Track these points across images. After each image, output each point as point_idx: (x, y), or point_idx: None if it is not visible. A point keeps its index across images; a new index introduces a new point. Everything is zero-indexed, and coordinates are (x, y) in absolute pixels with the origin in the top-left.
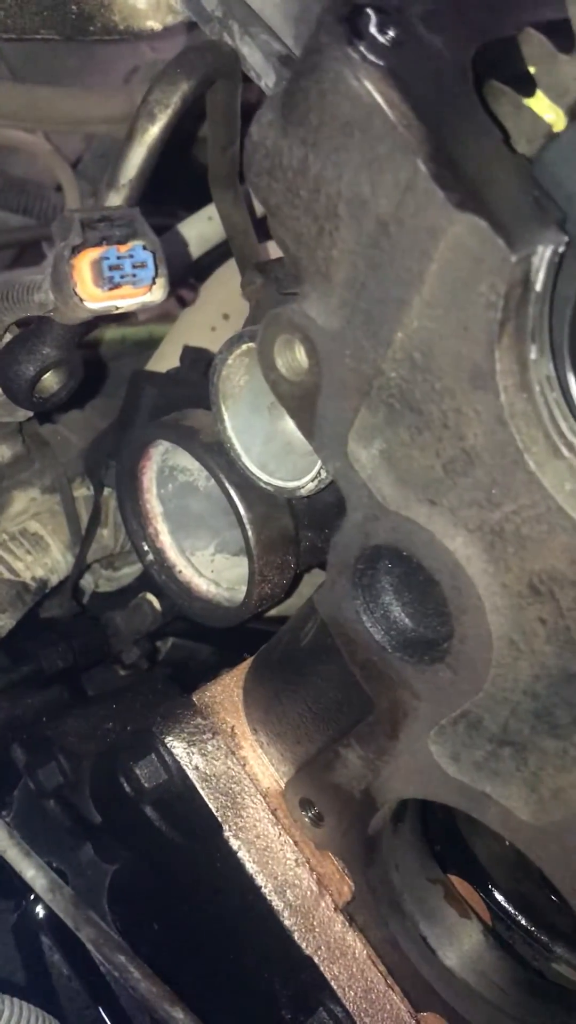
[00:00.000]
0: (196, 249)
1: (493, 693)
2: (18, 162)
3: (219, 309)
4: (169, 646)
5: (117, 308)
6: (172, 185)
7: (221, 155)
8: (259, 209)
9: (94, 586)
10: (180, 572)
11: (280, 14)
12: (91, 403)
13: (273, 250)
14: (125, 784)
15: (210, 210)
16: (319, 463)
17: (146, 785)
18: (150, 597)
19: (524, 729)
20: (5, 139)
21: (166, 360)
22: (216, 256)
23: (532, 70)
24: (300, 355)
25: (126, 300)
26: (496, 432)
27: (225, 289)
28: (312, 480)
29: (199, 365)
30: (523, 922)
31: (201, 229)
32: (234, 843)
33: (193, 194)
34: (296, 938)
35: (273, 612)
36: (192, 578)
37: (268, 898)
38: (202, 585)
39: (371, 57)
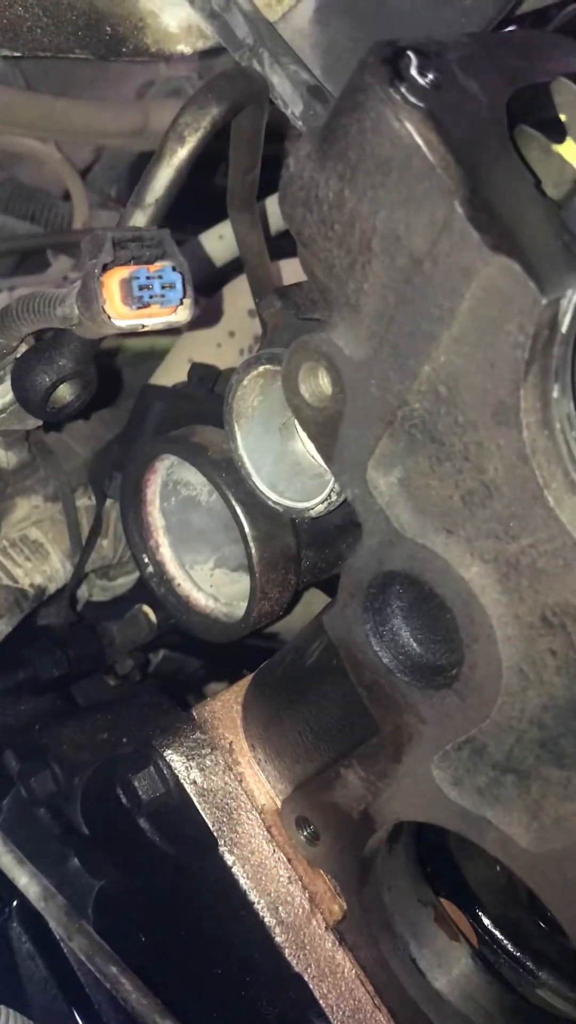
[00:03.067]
0: (205, 267)
1: (500, 721)
2: (25, 169)
3: (225, 327)
4: (160, 658)
5: (143, 326)
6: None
7: (242, 178)
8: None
9: (88, 595)
10: (179, 585)
11: (308, 44)
12: (96, 414)
13: (286, 273)
14: (122, 796)
15: (220, 229)
16: (329, 486)
17: (143, 797)
18: (146, 609)
19: (529, 758)
20: (17, 147)
21: (171, 374)
22: (222, 275)
23: (563, 117)
24: (324, 382)
25: (153, 319)
26: (517, 467)
27: (231, 307)
28: (323, 502)
29: (206, 382)
30: (510, 947)
31: (212, 248)
32: (229, 858)
33: (194, 213)
34: (287, 955)
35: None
36: (191, 592)
37: (260, 914)
38: (200, 599)
39: (412, 99)
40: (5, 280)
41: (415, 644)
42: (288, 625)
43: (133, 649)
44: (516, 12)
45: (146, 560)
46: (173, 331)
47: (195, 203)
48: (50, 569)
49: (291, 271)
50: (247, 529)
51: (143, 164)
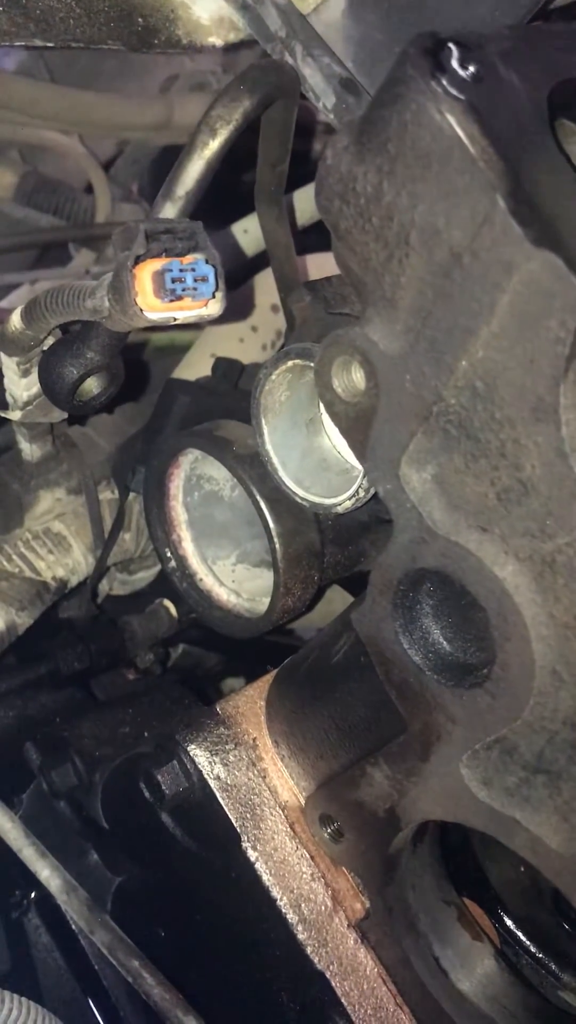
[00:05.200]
0: (229, 261)
1: (531, 721)
2: (48, 162)
3: (247, 321)
4: (179, 653)
5: (175, 320)
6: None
7: (270, 172)
8: None
9: (107, 589)
10: (201, 580)
11: (341, 37)
12: (119, 408)
13: (311, 268)
14: (145, 790)
15: (245, 223)
16: (357, 482)
17: (167, 792)
18: (167, 603)
19: (560, 758)
20: (41, 140)
21: (193, 368)
22: (246, 269)
23: None
24: (358, 377)
25: (184, 312)
26: (555, 464)
27: (254, 302)
28: (350, 498)
29: (230, 376)
30: (532, 949)
31: (236, 241)
32: (251, 854)
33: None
34: (309, 952)
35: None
36: (213, 587)
37: (283, 911)
38: (223, 594)
39: (453, 91)
40: (27, 273)
41: (445, 642)
42: (306, 621)
43: (153, 643)
44: (549, 7)
45: (168, 554)
46: (196, 325)
47: (216, 197)
48: (72, 562)
49: (316, 266)
50: (272, 525)
51: (166, 158)
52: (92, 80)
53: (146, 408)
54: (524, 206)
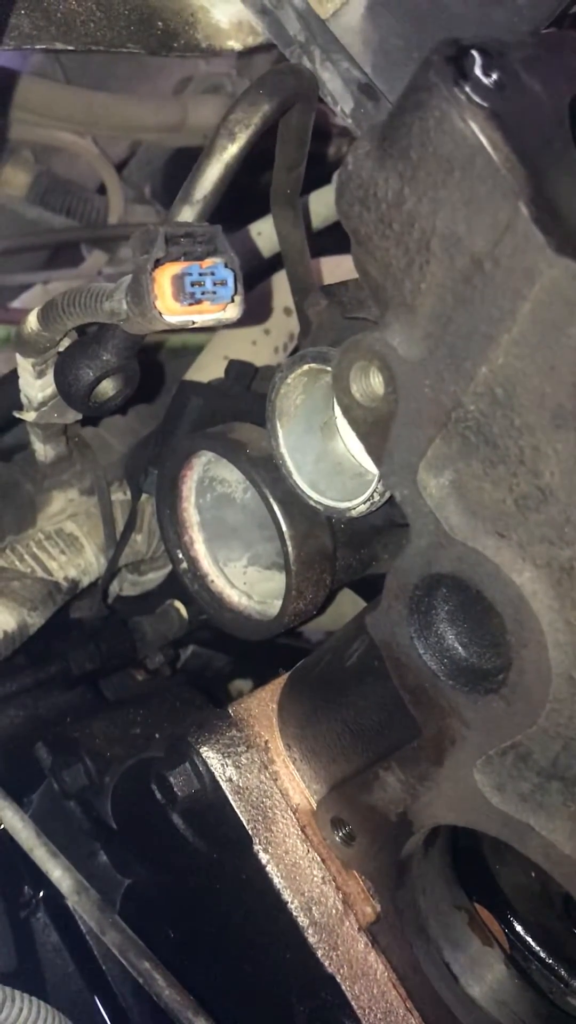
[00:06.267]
0: (243, 264)
1: (546, 728)
2: (61, 163)
3: (260, 324)
4: (189, 654)
5: (194, 323)
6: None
7: (287, 175)
8: None
9: (118, 589)
10: (213, 582)
11: (359, 42)
12: (133, 409)
13: (326, 271)
14: (157, 791)
15: (259, 226)
16: (372, 486)
17: (179, 794)
18: (178, 604)
19: (575, 765)
20: (54, 140)
21: (205, 370)
22: (260, 271)
23: None
24: (376, 382)
25: (203, 316)
26: (574, 472)
27: (267, 305)
28: (365, 502)
29: (243, 379)
30: (542, 954)
31: (251, 244)
32: (263, 857)
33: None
34: (319, 956)
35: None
36: (224, 588)
37: (294, 914)
38: (234, 596)
39: (476, 98)
40: (39, 273)
41: (460, 648)
42: (316, 624)
43: (163, 644)
44: (568, 12)
45: (180, 556)
46: (210, 328)
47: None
48: (84, 563)
49: (329, 269)
50: (284, 528)
51: (179, 160)
52: (106, 82)
53: (159, 410)
54: (546, 213)
